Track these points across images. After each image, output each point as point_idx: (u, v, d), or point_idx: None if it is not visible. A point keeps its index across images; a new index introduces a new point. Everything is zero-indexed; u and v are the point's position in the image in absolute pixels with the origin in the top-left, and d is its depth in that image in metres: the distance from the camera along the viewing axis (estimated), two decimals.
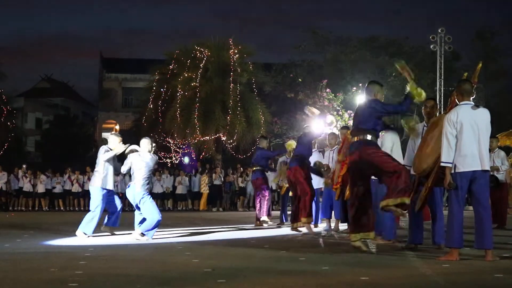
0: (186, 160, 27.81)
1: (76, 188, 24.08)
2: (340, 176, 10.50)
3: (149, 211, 9.66)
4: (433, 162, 7.23)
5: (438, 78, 27.88)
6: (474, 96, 7.05)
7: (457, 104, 6.98)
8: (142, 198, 9.70)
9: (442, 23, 63.22)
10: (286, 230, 11.69)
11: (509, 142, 20.13)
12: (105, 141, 13.08)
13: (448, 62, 30.53)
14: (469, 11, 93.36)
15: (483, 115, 6.85)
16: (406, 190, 7.26)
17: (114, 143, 10.49)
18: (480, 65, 8.86)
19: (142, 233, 9.57)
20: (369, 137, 7.58)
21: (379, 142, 8.01)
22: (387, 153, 7.88)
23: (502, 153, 13.21)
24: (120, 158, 10.59)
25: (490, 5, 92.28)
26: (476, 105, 6.87)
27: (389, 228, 8.83)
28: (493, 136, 11.26)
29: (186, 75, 28.70)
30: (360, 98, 24.13)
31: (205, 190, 24.79)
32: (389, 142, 8.82)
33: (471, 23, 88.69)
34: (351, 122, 25.98)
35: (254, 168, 14.00)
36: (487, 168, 6.80)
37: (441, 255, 6.94)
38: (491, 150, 13.03)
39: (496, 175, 12.70)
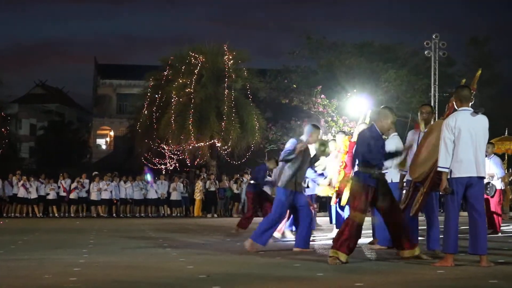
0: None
1: (74, 195, 23.93)
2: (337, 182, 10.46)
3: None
4: (429, 168, 7.25)
5: (432, 83, 27.93)
6: (472, 102, 7.07)
7: (455, 110, 6.99)
8: None
9: (437, 28, 63.55)
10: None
11: (503, 149, 20.13)
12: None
13: (442, 68, 30.60)
14: (463, 17, 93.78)
15: (482, 122, 6.86)
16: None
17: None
18: (480, 72, 8.86)
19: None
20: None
21: None
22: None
23: (498, 159, 13.18)
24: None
25: (484, 11, 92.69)
26: (476, 112, 6.87)
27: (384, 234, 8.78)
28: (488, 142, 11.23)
29: (180, 81, 28.64)
30: (354, 104, 24.09)
31: (198, 196, 24.70)
32: (392, 147, 8.77)
33: (466, 29, 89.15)
34: (345, 128, 26.01)
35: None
36: (483, 174, 6.81)
37: (436, 260, 6.95)
38: (486, 155, 13.04)
39: (493, 184, 12.65)
